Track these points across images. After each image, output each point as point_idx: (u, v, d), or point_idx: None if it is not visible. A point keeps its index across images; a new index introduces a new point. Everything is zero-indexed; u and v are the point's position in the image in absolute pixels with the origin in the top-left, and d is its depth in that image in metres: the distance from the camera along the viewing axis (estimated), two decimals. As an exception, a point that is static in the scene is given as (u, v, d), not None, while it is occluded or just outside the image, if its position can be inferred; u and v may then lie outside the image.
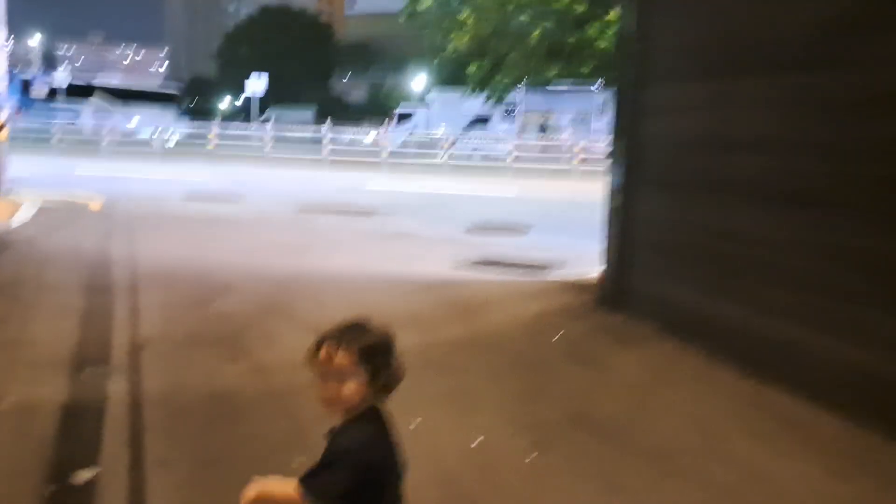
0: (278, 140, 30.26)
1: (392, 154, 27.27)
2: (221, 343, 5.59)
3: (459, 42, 31.55)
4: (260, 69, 51.01)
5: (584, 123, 34.07)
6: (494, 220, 13.30)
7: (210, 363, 5.18)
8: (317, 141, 32.51)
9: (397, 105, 60.11)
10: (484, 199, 17.55)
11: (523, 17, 29.76)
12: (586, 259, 9.62)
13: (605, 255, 6.28)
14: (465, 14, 31.21)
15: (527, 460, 3.81)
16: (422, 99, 50.09)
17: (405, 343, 5.70)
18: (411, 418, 4.18)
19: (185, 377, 4.91)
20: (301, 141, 33.05)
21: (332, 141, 27.72)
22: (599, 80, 33.50)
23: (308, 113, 66.22)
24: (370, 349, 2.05)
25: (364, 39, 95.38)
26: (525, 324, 5.89)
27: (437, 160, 27.24)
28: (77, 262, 8.47)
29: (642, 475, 3.62)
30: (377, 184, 20.16)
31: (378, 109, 72.13)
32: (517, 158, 24.25)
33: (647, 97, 5.70)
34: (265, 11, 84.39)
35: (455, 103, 39.33)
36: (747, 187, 4.74)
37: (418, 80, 64.76)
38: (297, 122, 52.07)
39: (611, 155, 6.15)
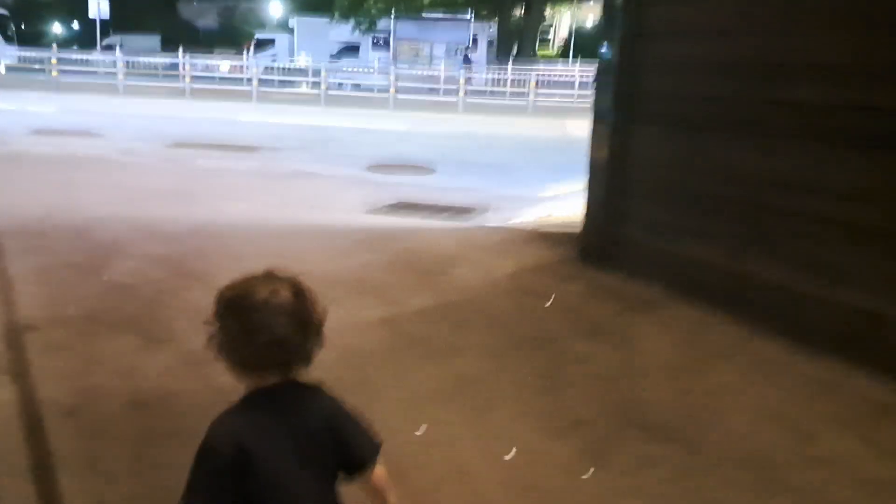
0: (130, 68, 27.37)
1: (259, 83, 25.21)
2: (132, 324, 4.37)
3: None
4: (96, -11, 46.32)
5: (459, 54, 33.09)
6: (394, 158, 12.25)
7: (124, 355, 3.98)
8: (172, 69, 29.82)
9: (253, 31, 56.64)
10: (373, 133, 16.36)
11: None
12: (510, 202, 8.86)
13: (589, 202, 5.44)
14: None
15: (584, 476, 2.97)
16: (282, 25, 47.23)
17: (369, 317, 4.52)
18: (417, 421, 3.25)
19: (96, 377, 3.71)
20: (154, 69, 30.21)
21: (191, 69, 25.28)
22: (472, 9, 32.53)
23: (154, 39, 61.42)
24: (215, 304, 1.61)
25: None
26: (505, 286, 5.00)
27: (310, 90, 25.48)
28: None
29: (743, 493, 2.86)
30: (250, 116, 18.49)
31: (231, 36, 67.96)
32: (398, 90, 22.97)
33: (652, 15, 4.82)
34: (100, -75, 76.82)
35: (320, 30, 37.24)
36: (799, 126, 3.98)
37: (275, 6, 61.24)
38: (143, 49, 48.13)
39: (597, 85, 5.26)
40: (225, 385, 3.60)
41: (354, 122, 18.16)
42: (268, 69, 26.44)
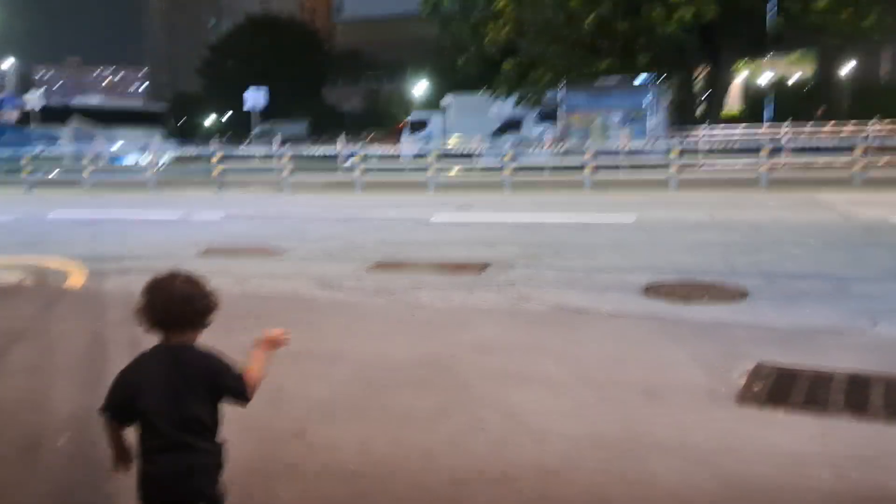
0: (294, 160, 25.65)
1: (416, 166, 22.59)
2: None
3: (497, 34, 27.01)
4: (248, 82, 46.76)
5: (637, 123, 29.80)
6: (664, 269, 8.92)
7: None
8: (331, 158, 28.14)
9: (401, 113, 55.87)
10: (596, 228, 13.14)
11: (573, 2, 25.27)
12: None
13: None
14: (501, 2, 26.70)
15: None
16: (435, 104, 45.63)
17: None
18: None
19: None
20: (313, 159, 28.61)
21: (355, 158, 23.01)
22: (653, 73, 29.21)
23: (301, 126, 62.06)
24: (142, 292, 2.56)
25: (354, 46, 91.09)
26: None
27: (496, 175, 22.43)
28: (39, 450, 4.00)
29: None
30: (438, 213, 15.70)
31: (377, 118, 67.97)
32: (596, 169, 19.79)
33: None
34: (251, 22, 79.89)
35: (477, 107, 35.08)
36: None
37: (421, 85, 60.57)
38: (292, 136, 48.13)
39: None
40: None
41: (561, 214, 15.06)
42: (441, 156, 23.75)
